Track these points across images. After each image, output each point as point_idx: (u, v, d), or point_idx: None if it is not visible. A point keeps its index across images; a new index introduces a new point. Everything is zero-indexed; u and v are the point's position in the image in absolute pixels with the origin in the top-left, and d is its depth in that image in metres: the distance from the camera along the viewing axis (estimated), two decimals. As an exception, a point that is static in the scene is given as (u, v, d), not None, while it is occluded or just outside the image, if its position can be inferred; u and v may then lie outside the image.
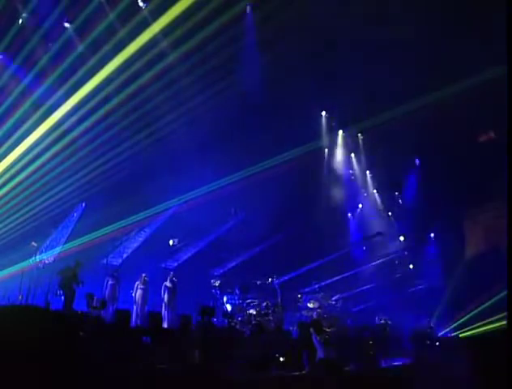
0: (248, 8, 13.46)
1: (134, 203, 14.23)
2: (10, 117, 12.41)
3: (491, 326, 14.20)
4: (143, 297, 11.95)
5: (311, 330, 8.45)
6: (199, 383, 5.79)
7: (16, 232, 13.16)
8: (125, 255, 15.53)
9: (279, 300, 14.19)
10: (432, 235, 21.09)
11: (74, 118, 12.89)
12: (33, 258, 12.11)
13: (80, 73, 12.36)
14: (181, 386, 5.70)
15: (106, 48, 12.30)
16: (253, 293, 14.17)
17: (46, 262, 12.67)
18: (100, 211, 13.79)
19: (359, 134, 19.44)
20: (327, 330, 11.95)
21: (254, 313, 13.23)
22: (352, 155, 20.11)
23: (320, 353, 8.14)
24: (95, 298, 10.58)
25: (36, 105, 12.51)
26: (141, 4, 12.39)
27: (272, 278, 14.86)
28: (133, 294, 12.00)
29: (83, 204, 14.72)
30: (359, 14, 12.35)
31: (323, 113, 18.11)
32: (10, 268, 12.34)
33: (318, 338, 8.30)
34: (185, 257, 16.40)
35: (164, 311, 11.82)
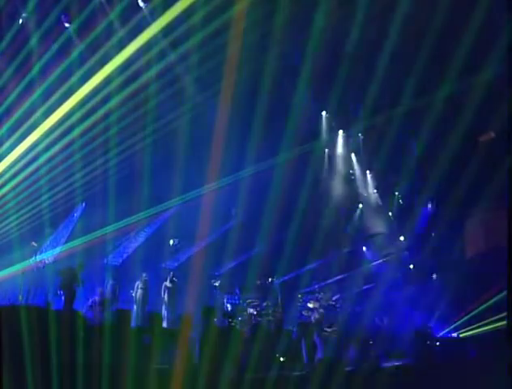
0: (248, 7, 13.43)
1: (134, 202, 14.22)
2: (10, 117, 12.40)
3: (491, 326, 14.18)
4: (143, 296, 11.96)
5: (312, 330, 8.47)
6: (199, 383, 5.80)
7: (16, 232, 13.14)
8: (125, 255, 15.53)
9: (279, 300, 14.17)
10: (432, 234, 21.06)
11: (73, 118, 12.87)
12: (33, 258, 12.11)
13: (79, 73, 12.35)
14: (181, 386, 5.71)
15: (106, 48, 12.30)
16: (253, 293, 14.16)
17: (46, 262, 12.67)
18: (100, 211, 13.78)
19: (359, 134, 19.44)
20: (328, 330, 11.95)
21: (254, 313, 13.22)
22: (352, 155, 20.10)
23: (320, 353, 8.15)
24: (102, 298, 10.60)
25: (36, 105, 12.49)
26: (141, 4, 12.39)
27: (272, 278, 14.84)
28: (133, 294, 12.01)
29: (83, 204, 14.72)
30: (359, 13, 12.35)
31: (323, 113, 18.08)
32: (10, 268, 12.34)
33: (319, 338, 8.32)
34: (185, 257, 16.39)
35: (164, 311, 11.82)
